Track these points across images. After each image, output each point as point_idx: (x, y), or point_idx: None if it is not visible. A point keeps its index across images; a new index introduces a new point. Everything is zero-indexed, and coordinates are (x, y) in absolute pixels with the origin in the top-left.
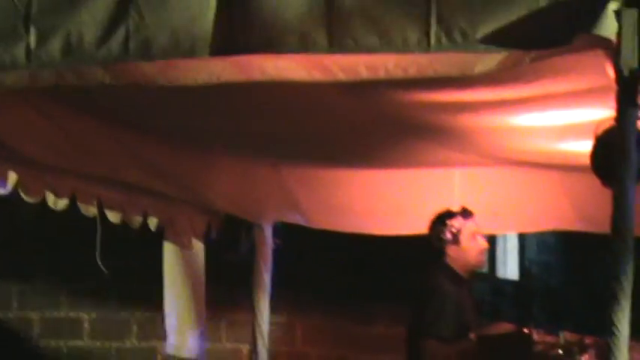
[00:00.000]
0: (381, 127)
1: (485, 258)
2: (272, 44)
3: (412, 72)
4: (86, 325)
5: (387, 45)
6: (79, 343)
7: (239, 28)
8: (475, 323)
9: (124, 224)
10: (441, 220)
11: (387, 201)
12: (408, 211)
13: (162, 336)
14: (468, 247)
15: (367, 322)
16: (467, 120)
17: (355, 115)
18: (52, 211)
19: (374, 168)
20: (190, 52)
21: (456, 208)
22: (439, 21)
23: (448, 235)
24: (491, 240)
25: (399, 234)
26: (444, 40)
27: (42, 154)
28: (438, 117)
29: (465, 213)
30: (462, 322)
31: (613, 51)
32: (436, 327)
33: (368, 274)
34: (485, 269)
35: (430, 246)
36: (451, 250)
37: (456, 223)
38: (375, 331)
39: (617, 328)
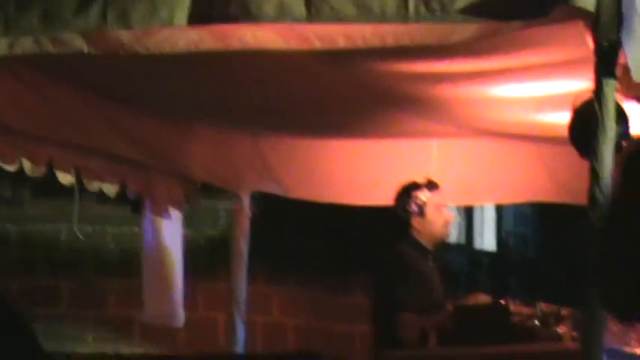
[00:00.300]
0: (359, 98)
1: (450, 230)
2: (250, 13)
3: (389, 41)
4: (64, 293)
5: (365, 14)
6: (56, 310)
7: None
8: (444, 295)
9: (102, 192)
10: (407, 191)
11: (365, 171)
12: (386, 181)
13: (139, 304)
14: (433, 219)
15: (345, 292)
16: (445, 91)
17: (334, 86)
18: (29, 178)
19: (352, 138)
20: (169, 21)
21: (421, 180)
22: None
23: (413, 207)
24: (469, 211)
25: (377, 204)
26: (422, 10)
27: (19, 121)
28: (416, 87)
29: (431, 185)
30: (430, 294)
31: (592, 22)
32: (408, 300)
33: (346, 245)
34: (462, 240)
35: (396, 218)
36: (416, 222)
37: (421, 195)
38: (352, 301)
39: (593, 298)
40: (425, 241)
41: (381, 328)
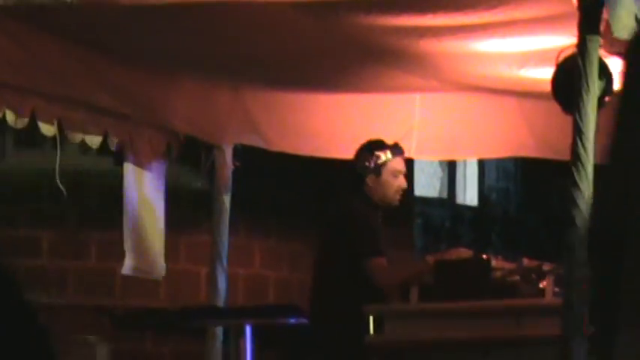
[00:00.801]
0: (342, 52)
1: (399, 198)
2: None
3: None
4: (45, 244)
5: None
6: (37, 262)
7: None
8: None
9: (85, 144)
10: (370, 148)
11: (347, 125)
12: (368, 135)
13: (121, 256)
14: (387, 181)
15: None
16: (428, 45)
17: (317, 39)
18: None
19: (335, 92)
20: None
21: (390, 141)
22: None
23: (371, 165)
24: (451, 166)
25: None
26: None
27: (2, 72)
28: (399, 42)
29: (396, 148)
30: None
31: None
32: (371, 245)
33: (327, 199)
34: (444, 195)
35: (352, 170)
36: (370, 180)
37: (383, 155)
38: None
39: (575, 254)
40: (375, 200)
41: (348, 278)
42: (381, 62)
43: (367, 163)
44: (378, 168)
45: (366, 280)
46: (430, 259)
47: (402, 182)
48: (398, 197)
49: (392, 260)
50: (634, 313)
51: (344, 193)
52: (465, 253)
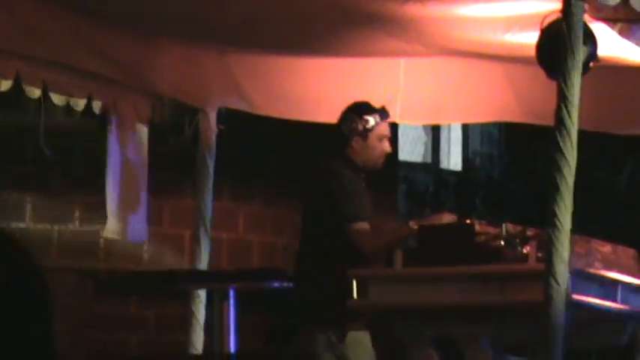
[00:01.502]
0: (328, 15)
1: (382, 162)
2: None
3: None
4: (28, 207)
5: None
6: (20, 225)
7: None
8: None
9: (69, 107)
10: (357, 110)
11: (332, 89)
12: (353, 99)
13: (104, 220)
14: (373, 145)
15: None
16: (414, 9)
17: (302, 3)
18: None
19: (320, 56)
20: None
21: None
22: None
23: (359, 127)
24: (435, 131)
25: None
26: None
27: None
28: (384, 6)
29: (383, 113)
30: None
31: None
32: (354, 209)
33: (312, 162)
34: (428, 160)
35: (337, 132)
36: (356, 142)
37: (371, 119)
38: None
39: (558, 220)
40: (358, 162)
41: (331, 243)
42: (366, 26)
43: (354, 125)
44: (366, 132)
45: (349, 244)
46: (414, 223)
47: (386, 146)
48: (381, 161)
49: (376, 225)
50: None
51: (327, 156)
52: (449, 217)
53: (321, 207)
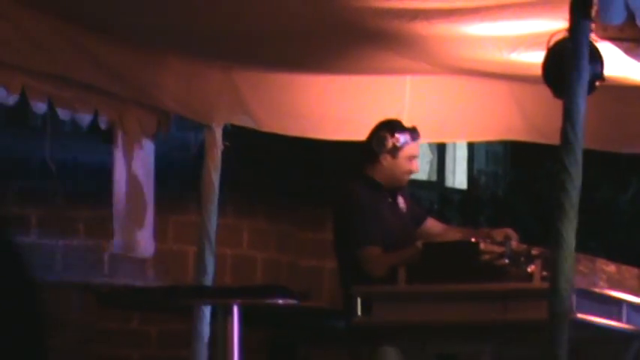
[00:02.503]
0: (334, 33)
1: (407, 179)
2: None
3: None
4: (33, 221)
5: None
6: (25, 239)
7: None
8: (408, 232)
9: (74, 122)
10: (390, 128)
11: (337, 106)
12: (359, 116)
13: (109, 235)
14: (401, 164)
15: (315, 227)
16: (420, 28)
17: (309, 20)
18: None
19: (326, 73)
20: None
21: (408, 124)
22: None
23: (390, 145)
24: (441, 148)
25: (349, 139)
26: None
27: None
28: (391, 23)
29: (415, 133)
30: (390, 230)
31: None
32: (366, 234)
33: (317, 180)
34: (433, 178)
35: (365, 148)
36: (384, 159)
37: (402, 137)
38: (322, 237)
39: (563, 238)
40: (382, 180)
41: (347, 264)
42: (372, 44)
43: (385, 142)
44: (396, 149)
45: (359, 269)
46: (419, 243)
47: (415, 166)
48: (406, 179)
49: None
50: None
51: (347, 177)
52: (454, 236)
53: (337, 231)
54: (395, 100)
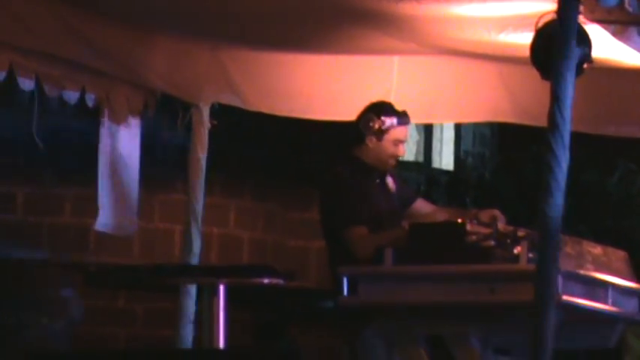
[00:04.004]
0: (321, 12)
1: (392, 163)
2: None
3: None
4: (20, 199)
5: None
6: (12, 217)
7: None
8: (396, 213)
9: (62, 99)
10: (378, 110)
11: (325, 86)
12: (346, 96)
13: (95, 213)
14: (386, 147)
15: (302, 207)
16: (408, 8)
17: (297, 0)
18: None
19: (313, 53)
20: None
21: (397, 106)
22: None
23: (376, 127)
24: (428, 130)
25: (337, 119)
26: None
27: None
28: (379, 3)
29: (403, 117)
30: (376, 211)
31: None
32: (352, 215)
33: (304, 160)
34: (420, 159)
35: (353, 128)
36: (370, 141)
37: (388, 121)
38: (309, 217)
39: (549, 220)
40: (369, 161)
41: (334, 245)
42: (360, 24)
43: (371, 124)
44: (381, 132)
45: (346, 249)
46: (405, 224)
47: (400, 150)
48: (392, 162)
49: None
50: None
51: (334, 157)
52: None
53: (324, 212)
54: (382, 80)
